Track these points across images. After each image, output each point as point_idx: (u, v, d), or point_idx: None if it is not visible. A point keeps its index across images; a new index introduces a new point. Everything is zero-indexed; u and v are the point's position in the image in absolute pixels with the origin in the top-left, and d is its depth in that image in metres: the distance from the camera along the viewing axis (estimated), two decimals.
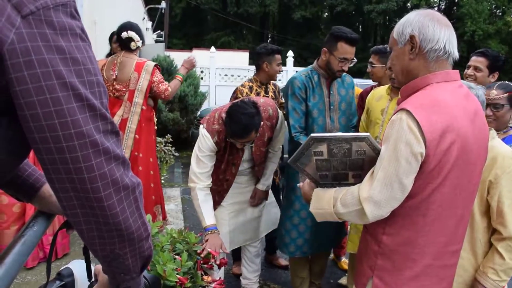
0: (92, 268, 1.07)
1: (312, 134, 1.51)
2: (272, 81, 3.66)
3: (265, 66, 3.50)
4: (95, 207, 0.76)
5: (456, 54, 1.49)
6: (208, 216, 2.53)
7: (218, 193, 2.77)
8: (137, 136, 3.53)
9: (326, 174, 1.63)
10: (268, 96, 3.47)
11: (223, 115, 2.52)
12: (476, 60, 3.09)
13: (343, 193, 1.53)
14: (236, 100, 2.57)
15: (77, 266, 1.10)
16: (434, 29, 1.44)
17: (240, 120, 2.37)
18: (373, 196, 1.41)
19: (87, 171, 0.73)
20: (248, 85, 3.53)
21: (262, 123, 2.53)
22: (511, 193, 1.82)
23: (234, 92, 3.53)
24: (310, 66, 2.91)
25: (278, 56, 3.55)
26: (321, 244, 2.96)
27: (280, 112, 2.77)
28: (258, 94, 3.49)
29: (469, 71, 3.10)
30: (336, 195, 1.55)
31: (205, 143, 2.54)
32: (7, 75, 0.67)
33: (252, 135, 2.46)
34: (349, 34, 2.67)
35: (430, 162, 1.37)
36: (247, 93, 3.46)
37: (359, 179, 1.56)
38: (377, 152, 1.49)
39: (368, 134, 1.48)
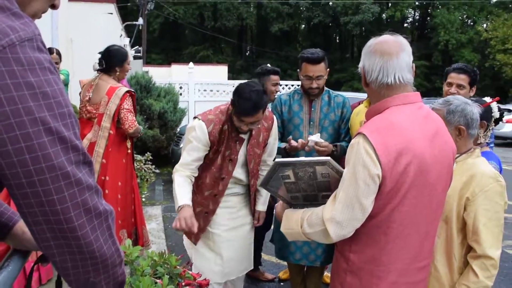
0: None
1: (277, 160, 1.57)
2: None
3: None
4: (69, 237, 0.77)
5: (396, 79, 1.50)
6: (182, 197, 2.42)
7: (213, 198, 2.63)
8: (104, 160, 3.46)
9: (297, 196, 1.69)
10: None
11: (222, 107, 2.56)
12: (458, 78, 3.03)
13: (309, 213, 1.58)
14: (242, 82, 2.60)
15: None
16: (369, 61, 1.54)
17: (249, 97, 2.36)
18: (335, 217, 1.47)
19: (59, 202, 0.74)
20: None
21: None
22: (487, 211, 1.83)
23: None
24: (298, 87, 3.20)
25: (274, 77, 3.81)
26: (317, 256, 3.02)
27: (275, 118, 2.81)
28: None
29: (453, 89, 3.02)
30: (304, 215, 1.60)
31: (195, 134, 2.49)
32: None
33: (260, 114, 2.44)
34: (309, 55, 2.92)
35: (387, 184, 1.43)
36: None
37: (328, 199, 1.61)
38: (340, 174, 1.54)
39: (328, 158, 1.54)
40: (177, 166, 2.53)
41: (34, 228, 0.76)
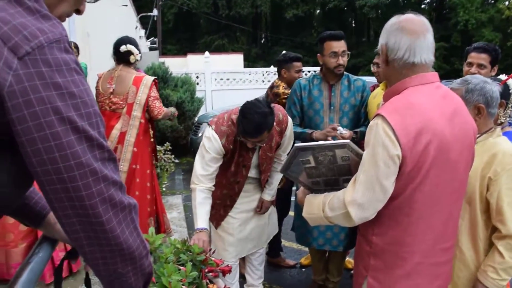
0: None
1: (296, 145, 1.58)
2: None
3: (283, 73, 3.84)
4: (97, 230, 0.80)
5: (422, 60, 1.50)
6: (201, 219, 2.48)
7: (230, 197, 2.75)
8: (135, 149, 3.55)
9: (318, 181, 1.69)
10: None
11: (233, 116, 2.51)
12: (479, 57, 2.95)
13: (331, 197, 1.59)
14: (250, 100, 2.54)
15: None
16: (395, 38, 1.51)
17: (253, 119, 2.32)
18: (356, 199, 1.47)
19: (88, 198, 0.77)
20: (281, 83, 3.80)
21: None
22: (511, 190, 1.80)
23: (272, 84, 3.90)
24: (317, 72, 3.20)
25: (297, 63, 3.85)
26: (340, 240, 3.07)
27: (290, 119, 2.76)
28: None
29: (473, 69, 2.93)
30: (325, 199, 1.61)
31: (211, 144, 2.49)
32: (8, 116, 0.70)
33: (265, 135, 2.42)
34: (331, 32, 3.03)
35: (407, 164, 1.42)
36: (283, 86, 3.74)
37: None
38: (360, 156, 1.54)
39: (348, 141, 1.54)
40: (199, 177, 2.51)
41: (64, 221, 0.80)
